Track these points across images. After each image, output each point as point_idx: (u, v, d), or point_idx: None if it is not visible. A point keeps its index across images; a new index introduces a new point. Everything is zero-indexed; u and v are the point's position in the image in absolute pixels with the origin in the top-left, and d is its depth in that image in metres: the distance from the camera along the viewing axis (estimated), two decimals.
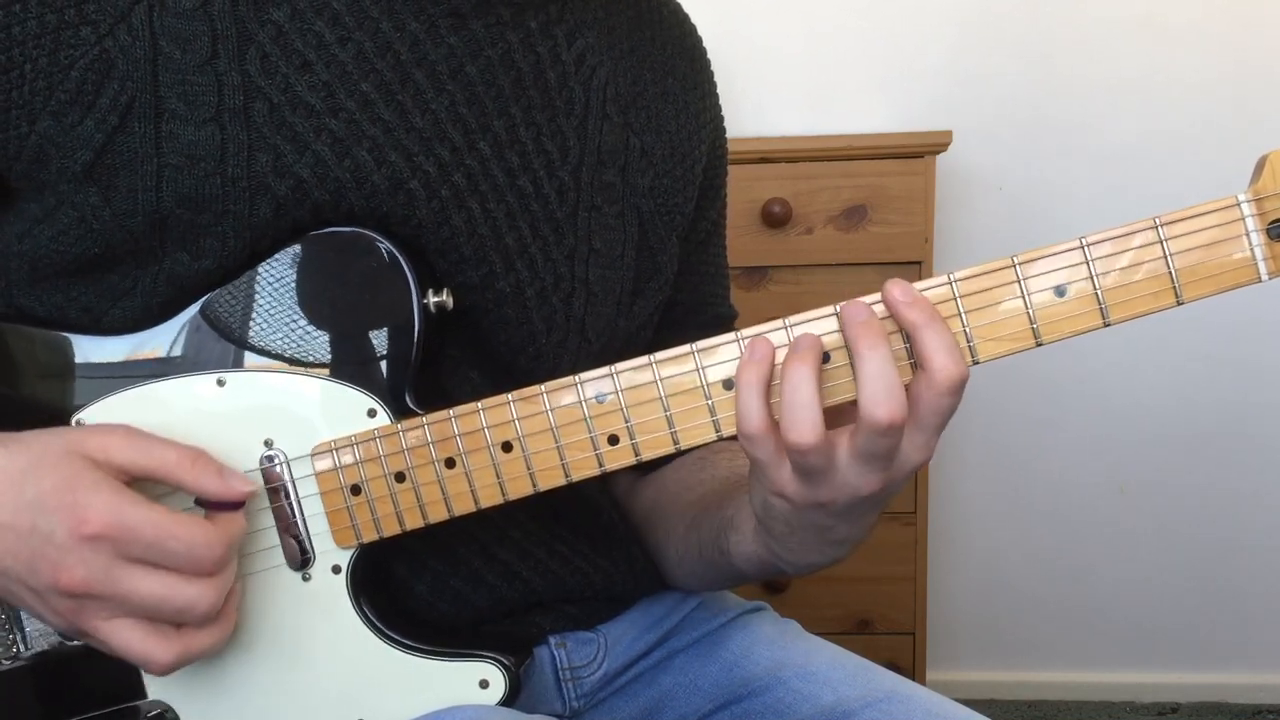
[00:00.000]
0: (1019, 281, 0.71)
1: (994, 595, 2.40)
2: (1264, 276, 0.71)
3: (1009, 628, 2.42)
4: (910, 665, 2.01)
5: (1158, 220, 0.70)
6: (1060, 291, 0.71)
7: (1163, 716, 2.35)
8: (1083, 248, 0.71)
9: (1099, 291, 0.71)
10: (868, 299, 0.71)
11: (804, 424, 0.68)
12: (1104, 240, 0.71)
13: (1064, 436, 2.30)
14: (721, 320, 1.04)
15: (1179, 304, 0.71)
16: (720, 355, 0.74)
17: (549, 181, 0.87)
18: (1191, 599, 2.36)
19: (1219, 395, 2.27)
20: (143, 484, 0.71)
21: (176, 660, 0.70)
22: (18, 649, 0.78)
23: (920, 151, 1.92)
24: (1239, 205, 0.70)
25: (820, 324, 0.72)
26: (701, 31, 1.03)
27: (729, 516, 0.85)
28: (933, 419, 0.70)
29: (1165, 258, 0.70)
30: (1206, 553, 2.34)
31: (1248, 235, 0.70)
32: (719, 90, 1.05)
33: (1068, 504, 2.34)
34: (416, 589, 0.84)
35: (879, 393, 0.68)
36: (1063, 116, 2.20)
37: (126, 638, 0.69)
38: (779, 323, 0.73)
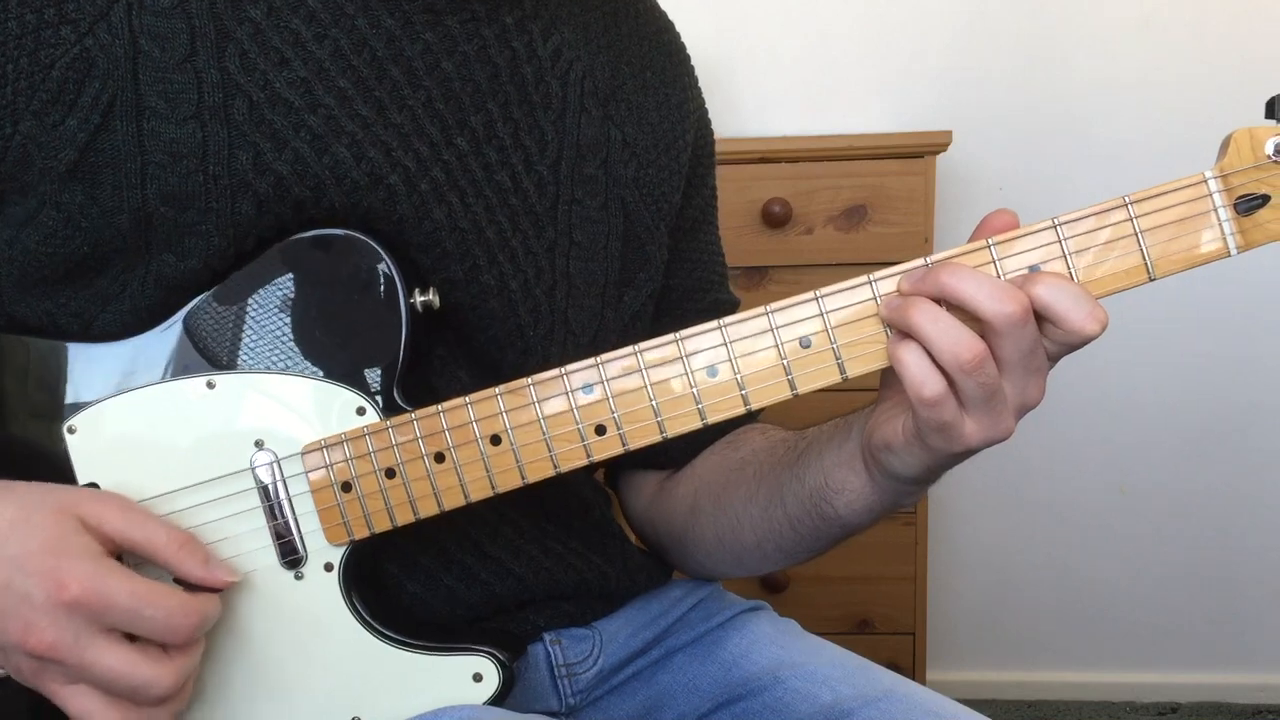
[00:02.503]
0: (994, 262, 0.72)
1: (994, 595, 2.40)
2: (1233, 251, 0.72)
3: (1009, 628, 2.41)
4: (910, 665, 2.01)
5: (1128, 199, 0.72)
6: (1035, 270, 0.72)
7: (1163, 716, 2.34)
8: (1055, 227, 0.72)
9: (1073, 270, 0.72)
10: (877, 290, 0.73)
11: (962, 340, 0.69)
12: (1076, 220, 0.72)
13: (1064, 437, 2.30)
14: (721, 306, 1.03)
15: (1151, 280, 0.72)
16: (703, 343, 0.75)
17: (527, 176, 0.87)
18: (1191, 599, 2.36)
19: (1219, 395, 2.27)
20: (127, 557, 0.72)
21: None
22: None
23: (920, 151, 1.92)
24: (1206, 182, 0.72)
25: (802, 309, 0.74)
26: (702, 32, 1.04)
27: (820, 484, 0.84)
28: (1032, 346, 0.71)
29: (1136, 235, 0.72)
30: (1206, 553, 2.34)
31: (1216, 211, 0.72)
32: (719, 91, 1.05)
33: (1068, 504, 2.34)
34: (409, 587, 0.85)
35: (985, 292, 0.69)
36: (1062, 117, 2.20)
37: (82, 705, 0.69)
38: (761, 309, 0.74)
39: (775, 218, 1.90)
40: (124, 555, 0.72)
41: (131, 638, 0.69)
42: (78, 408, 0.78)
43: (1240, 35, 2.14)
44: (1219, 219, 0.72)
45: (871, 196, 1.91)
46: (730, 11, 2.18)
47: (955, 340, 0.69)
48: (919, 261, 0.72)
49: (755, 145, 1.95)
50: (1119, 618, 2.38)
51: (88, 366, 0.80)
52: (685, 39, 1.04)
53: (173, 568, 0.72)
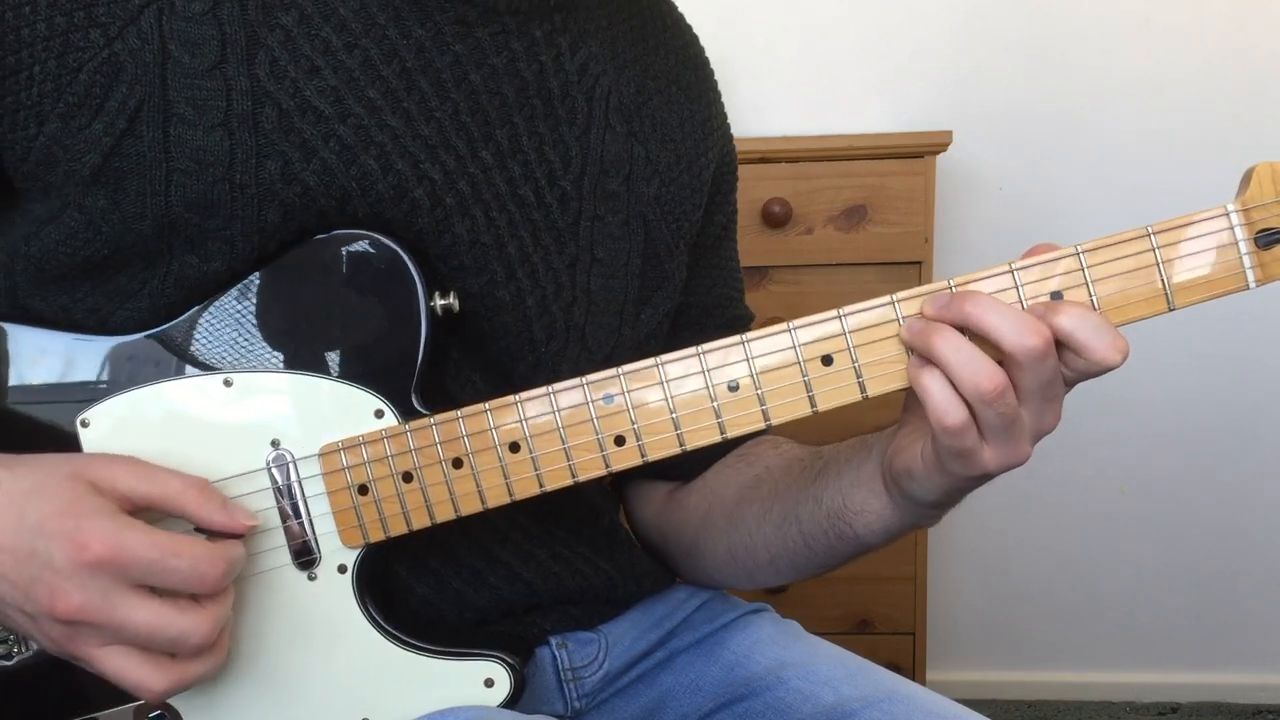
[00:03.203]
0: (1016, 287, 0.73)
1: (994, 595, 2.40)
2: (1252, 284, 0.73)
3: (1009, 628, 2.42)
4: (910, 665, 2.01)
5: (1150, 229, 0.72)
6: (1057, 297, 0.73)
7: (1163, 716, 2.35)
8: (1078, 255, 0.72)
9: (1094, 298, 0.73)
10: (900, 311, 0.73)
11: (983, 370, 0.70)
12: (1098, 248, 0.72)
13: (1064, 436, 2.27)
14: (738, 322, 1.04)
15: (1170, 310, 0.73)
16: (725, 358, 0.75)
17: (550, 191, 0.87)
18: (1191, 599, 2.36)
19: (1219, 395, 2.27)
20: (145, 514, 0.71)
21: (169, 689, 0.70)
22: (20, 647, 0.78)
23: (920, 151, 1.92)
24: (1228, 215, 0.72)
25: (823, 327, 0.74)
26: (702, 31, 1.03)
27: (839, 505, 0.85)
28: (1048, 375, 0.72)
29: (1157, 265, 0.73)
30: (1207, 553, 2.34)
31: (1236, 244, 0.73)
32: (719, 90, 1.05)
33: (1068, 504, 2.34)
34: (417, 589, 0.85)
35: (1008, 324, 0.70)
36: (1063, 117, 2.19)
37: (119, 664, 0.69)
38: (784, 325, 0.74)
39: (775, 218, 1.90)
40: (141, 514, 0.71)
41: (160, 595, 0.69)
42: (91, 401, 0.78)
43: (1240, 35, 2.14)
44: (1240, 252, 0.73)
45: (871, 196, 1.91)
46: (730, 11, 2.18)
47: (976, 371, 0.70)
48: (942, 283, 0.73)
49: (755, 145, 1.94)
50: (1119, 618, 2.38)
51: (102, 360, 0.80)
52: None
53: (191, 515, 0.72)
